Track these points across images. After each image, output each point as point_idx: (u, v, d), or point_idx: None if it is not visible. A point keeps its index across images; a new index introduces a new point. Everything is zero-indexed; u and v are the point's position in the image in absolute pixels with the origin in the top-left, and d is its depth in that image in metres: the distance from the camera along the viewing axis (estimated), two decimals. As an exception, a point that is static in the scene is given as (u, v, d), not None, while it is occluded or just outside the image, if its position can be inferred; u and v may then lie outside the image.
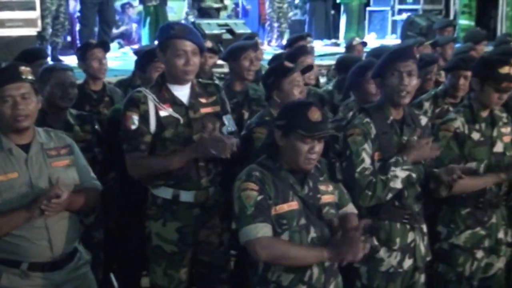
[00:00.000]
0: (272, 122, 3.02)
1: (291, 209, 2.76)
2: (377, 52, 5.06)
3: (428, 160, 3.33)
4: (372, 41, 11.62)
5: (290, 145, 2.75)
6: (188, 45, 3.16)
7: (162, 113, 3.22)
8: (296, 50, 4.69)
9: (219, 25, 8.85)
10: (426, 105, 4.45)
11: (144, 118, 3.19)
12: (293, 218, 2.76)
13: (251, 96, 4.51)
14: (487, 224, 3.59)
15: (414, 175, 3.18)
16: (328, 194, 2.88)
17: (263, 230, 2.67)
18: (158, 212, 3.30)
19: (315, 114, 2.73)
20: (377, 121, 3.20)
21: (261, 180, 2.73)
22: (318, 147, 2.75)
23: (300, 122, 2.71)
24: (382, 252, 3.25)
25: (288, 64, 3.59)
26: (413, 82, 3.19)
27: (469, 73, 4.10)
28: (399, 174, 3.13)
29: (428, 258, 3.39)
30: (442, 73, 5.13)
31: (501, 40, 7.88)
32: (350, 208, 3.03)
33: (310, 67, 3.87)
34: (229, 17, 10.92)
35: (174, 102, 3.25)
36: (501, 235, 3.64)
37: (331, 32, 12.34)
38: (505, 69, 3.46)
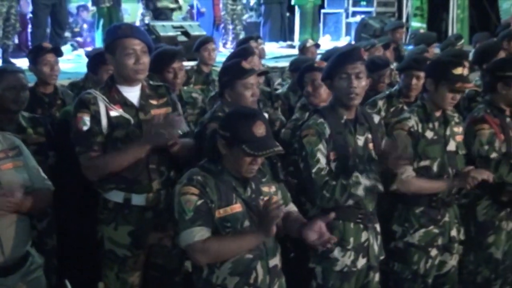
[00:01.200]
0: (215, 130, 2.98)
1: (235, 211, 2.75)
2: (330, 54, 5.07)
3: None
4: (327, 43, 11.69)
5: (232, 156, 2.73)
6: (137, 44, 3.13)
7: (113, 113, 3.17)
8: (241, 51, 4.64)
9: (174, 27, 8.78)
10: (380, 103, 4.50)
11: (96, 119, 3.14)
12: (237, 220, 2.75)
13: (185, 100, 4.45)
14: (440, 222, 3.62)
15: (380, 187, 3.18)
16: (270, 195, 2.87)
17: (199, 233, 2.66)
18: (109, 216, 3.25)
19: (259, 129, 2.70)
20: (331, 121, 3.20)
21: (203, 184, 2.71)
22: (261, 158, 2.74)
23: (244, 137, 2.68)
24: (337, 252, 3.24)
25: (245, 65, 3.55)
26: (362, 84, 3.19)
27: (421, 74, 4.16)
28: (363, 182, 3.13)
29: (381, 257, 3.40)
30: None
31: (447, 42, 8.03)
32: (292, 207, 3.04)
33: (266, 72, 3.85)
34: (184, 19, 10.86)
35: (125, 103, 3.21)
36: (453, 233, 3.67)
37: (286, 34, 12.37)
38: (459, 70, 3.51)
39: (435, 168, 3.57)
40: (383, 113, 4.37)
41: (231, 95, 3.45)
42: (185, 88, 4.66)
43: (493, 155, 3.75)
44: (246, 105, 3.32)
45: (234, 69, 3.50)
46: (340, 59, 3.22)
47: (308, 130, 3.19)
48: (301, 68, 4.28)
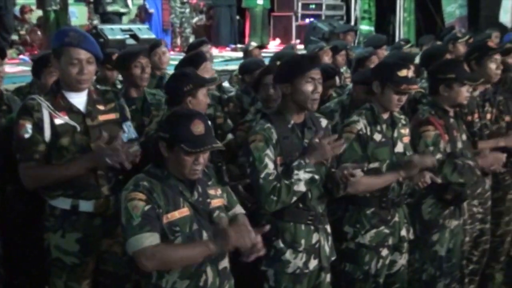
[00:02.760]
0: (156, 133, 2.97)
1: (183, 215, 2.75)
2: (280, 56, 5.11)
3: (331, 161, 3.37)
4: (277, 46, 11.76)
5: (174, 157, 2.73)
6: (83, 54, 3.09)
7: (58, 121, 3.12)
8: (194, 57, 4.63)
9: (123, 30, 8.67)
10: (337, 116, 4.42)
11: (38, 127, 3.09)
12: (185, 224, 2.74)
13: (149, 102, 4.43)
14: (390, 222, 3.67)
15: (317, 177, 3.22)
16: (217, 198, 2.89)
17: (148, 239, 2.63)
18: (56, 224, 3.20)
19: (198, 127, 2.71)
20: (278, 126, 3.22)
21: (149, 189, 2.70)
22: (203, 157, 2.75)
23: (183, 136, 2.69)
24: (288, 254, 3.26)
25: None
26: (321, 88, 3.25)
27: None
28: (302, 177, 3.16)
29: (332, 258, 3.44)
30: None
31: (396, 46, 8.17)
32: (239, 209, 3.05)
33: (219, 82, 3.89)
34: (132, 22, 10.74)
35: (70, 109, 3.16)
36: (403, 232, 3.73)
37: (236, 37, 12.37)
38: (404, 72, 3.56)
39: (384, 170, 3.61)
40: (339, 127, 4.32)
41: (192, 102, 3.48)
42: (148, 89, 4.62)
43: (438, 156, 3.82)
44: (204, 111, 3.34)
45: (198, 79, 3.55)
46: (304, 63, 3.25)
47: (255, 136, 3.20)
48: (252, 70, 4.29)
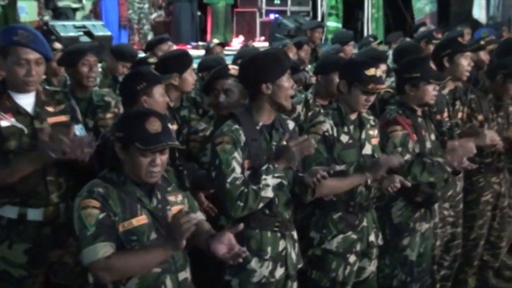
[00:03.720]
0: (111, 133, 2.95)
1: (141, 224, 2.71)
2: (242, 56, 5.09)
3: (298, 165, 3.37)
4: (240, 43, 11.75)
5: (130, 158, 2.70)
6: (31, 54, 3.06)
7: (3, 123, 3.07)
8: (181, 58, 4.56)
9: (76, 27, 8.60)
10: (299, 108, 4.51)
11: None
12: (143, 233, 2.71)
13: (95, 103, 4.36)
14: (358, 228, 3.69)
15: (285, 182, 3.21)
16: (177, 204, 2.85)
17: (102, 250, 2.60)
18: (2, 234, 3.14)
19: (153, 125, 2.68)
20: (246, 127, 3.20)
21: (104, 196, 2.66)
22: (161, 159, 2.71)
23: (137, 134, 2.66)
24: (254, 263, 3.24)
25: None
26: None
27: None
28: (271, 182, 3.15)
29: (299, 265, 3.44)
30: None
31: (363, 42, 8.23)
32: (200, 215, 2.99)
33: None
34: (86, 18, 10.62)
35: (17, 111, 3.12)
36: (372, 238, 3.75)
37: (198, 34, 12.33)
38: (371, 71, 3.58)
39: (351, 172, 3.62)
40: (302, 118, 4.39)
41: (148, 102, 3.43)
42: (97, 90, 4.56)
43: (407, 156, 3.86)
44: (163, 111, 3.33)
45: (151, 76, 3.50)
46: (284, 59, 3.26)
47: (222, 137, 3.18)
48: (211, 68, 4.27)
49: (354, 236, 3.67)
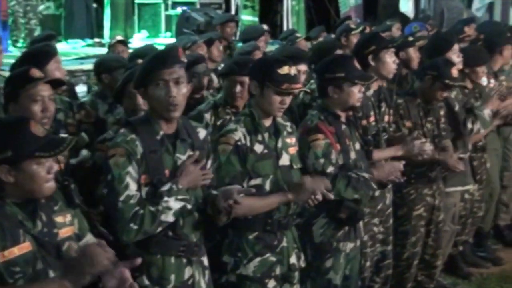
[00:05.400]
0: None
1: (24, 252, 2.63)
2: (140, 54, 5.05)
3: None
4: (144, 39, 11.67)
5: (22, 177, 2.64)
6: None
7: None
8: (37, 53, 4.48)
9: None
10: (207, 117, 4.46)
11: None
12: (27, 263, 2.64)
13: None
14: (277, 248, 3.71)
15: (189, 206, 3.21)
16: (66, 226, 2.81)
17: None
18: None
19: (38, 128, 2.68)
20: (144, 138, 3.17)
21: None
22: (51, 167, 2.69)
23: (29, 144, 2.62)
24: (155, 293, 3.22)
25: (34, 73, 3.45)
26: (183, 91, 3.20)
27: (246, 79, 4.18)
28: (173, 206, 3.13)
29: (210, 295, 3.42)
30: None
31: (283, 36, 8.27)
32: (90, 238, 2.97)
33: (61, 83, 3.77)
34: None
35: None
36: (293, 260, 3.77)
37: (94, 29, 12.17)
38: (285, 70, 3.61)
39: (267, 186, 3.65)
40: (210, 129, 4.33)
41: (15, 110, 3.36)
42: None
43: (330, 169, 3.92)
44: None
45: (18, 77, 3.39)
46: (154, 63, 3.21)
47: (115, 149, 3.15)
48: (112, 69, 4.21)
49: (273, 259, 3.69)
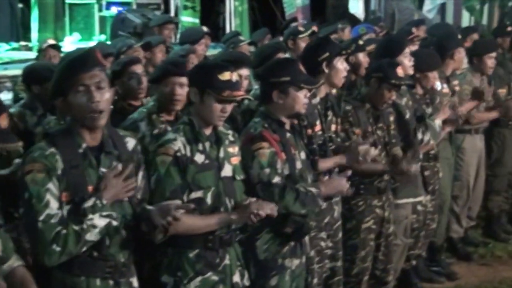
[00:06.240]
0: None
1: None
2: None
3: (143, 192, 3.37)
4: (76, 43, 11.56)
5: None
6: None
7: None
8: None
9: None
10: (143, 127, 4.33)
11: None
12: None
13: None
14: (219, 267, 3.72)
15: (115, 223, 3.18)
16: None
17: None
18: None
19: None
20: (65, 152, 3.12)
21: None
22: None
23: None
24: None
25: None
26: (106, 96, 3.14)
27: (185, 80, 4.15)
28: (98, 223, 3.10)
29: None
30: None
31: (226, 38, 8.28)
32: (14, 261, 2.94)
33: None
34: None
35: None
36: (236, 278, 3.79)
37: (19, 32, 12.01)
38: (226, 76, 3.63)
39: (209, 199, 3.66)
40: (148, 139, 4.23)
41: None
42: None
43: (276, 179, 3.94)
44: None
45: None
46: (71, 67, 3.15)
47: (32, 165, 3.08)
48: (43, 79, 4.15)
49: (215, 278, 3.70)
